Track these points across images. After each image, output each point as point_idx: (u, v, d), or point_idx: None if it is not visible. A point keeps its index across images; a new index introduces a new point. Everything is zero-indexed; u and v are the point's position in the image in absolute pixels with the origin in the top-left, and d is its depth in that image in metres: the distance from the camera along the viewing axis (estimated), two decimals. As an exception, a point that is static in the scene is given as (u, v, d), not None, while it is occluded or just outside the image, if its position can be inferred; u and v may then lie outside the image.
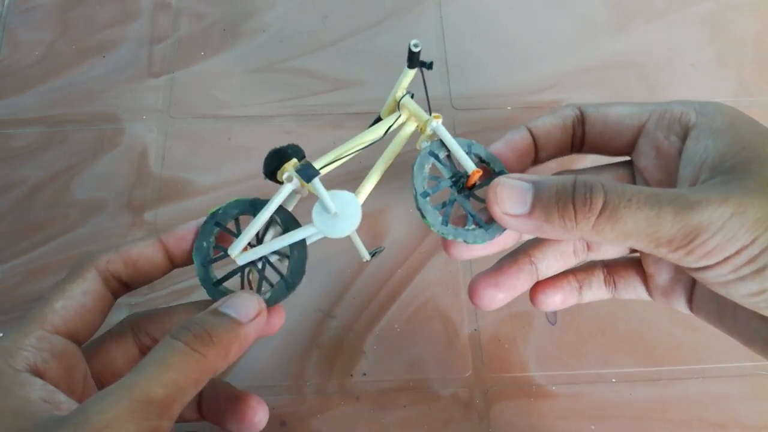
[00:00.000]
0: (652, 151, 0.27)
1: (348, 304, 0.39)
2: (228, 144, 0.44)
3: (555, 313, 0.39)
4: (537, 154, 0.29)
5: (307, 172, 0.26)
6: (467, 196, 0.28)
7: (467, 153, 0.28)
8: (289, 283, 0.27)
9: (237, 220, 0.28)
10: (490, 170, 0.28)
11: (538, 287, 0.30)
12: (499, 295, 0.29)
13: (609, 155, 0.29)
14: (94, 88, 0.46)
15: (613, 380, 0.37)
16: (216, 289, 0.27)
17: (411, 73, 0.28)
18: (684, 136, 0.25)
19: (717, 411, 0.37)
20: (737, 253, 0.22)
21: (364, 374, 0.37)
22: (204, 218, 0.28)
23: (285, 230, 0.27)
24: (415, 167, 0.27)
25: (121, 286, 0.28)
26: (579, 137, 0.29)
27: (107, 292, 0.27)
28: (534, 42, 0.48)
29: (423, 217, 0.27)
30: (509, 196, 0.23)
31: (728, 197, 0.21)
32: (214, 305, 0.25)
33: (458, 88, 0.46)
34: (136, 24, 0.48)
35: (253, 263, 0.28)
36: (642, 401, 0.37)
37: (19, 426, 0.21)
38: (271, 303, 0.27)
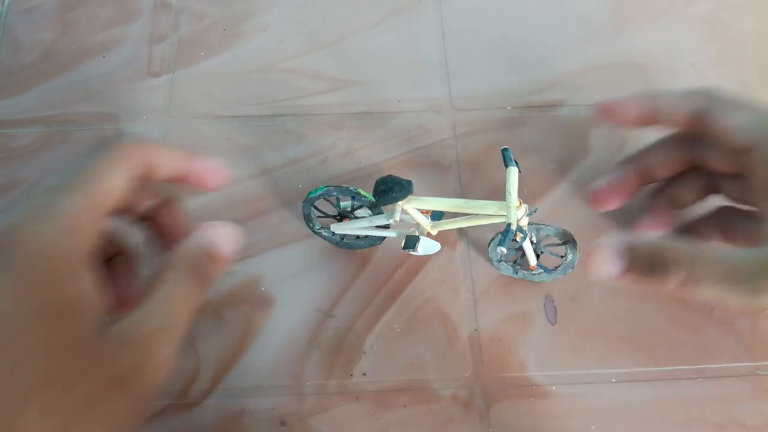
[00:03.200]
0: (759, 170, 0.29)
1: (348, 304, 0.39)
2: (228, 144, 0.44)
3: (555, 312, 0.39)
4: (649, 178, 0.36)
5: (437, 216, 0.37)
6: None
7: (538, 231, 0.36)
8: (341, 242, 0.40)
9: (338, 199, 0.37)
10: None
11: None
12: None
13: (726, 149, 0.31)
14: (94, 88, 0.46)
15: (613, 380, 0.37)
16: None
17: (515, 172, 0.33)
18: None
19: (717, 411, 0.37)
20: None
21: (364, 374, 0.37)
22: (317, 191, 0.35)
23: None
24: (494, 249, 0.38)
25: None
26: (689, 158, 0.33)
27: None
28: (534, 42, 0.48)
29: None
30: (606, 263, 0.26)
31: None
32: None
33: (458, 88, 0.46)
34: (136, 24, 0.48)
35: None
36: (642, 401, 0.37)
37: (81, 334, 0.21)
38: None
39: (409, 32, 0.48)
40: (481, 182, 0.43)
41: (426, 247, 0.36)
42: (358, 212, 0.37)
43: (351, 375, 0.37)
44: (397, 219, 0.34)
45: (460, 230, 0.41)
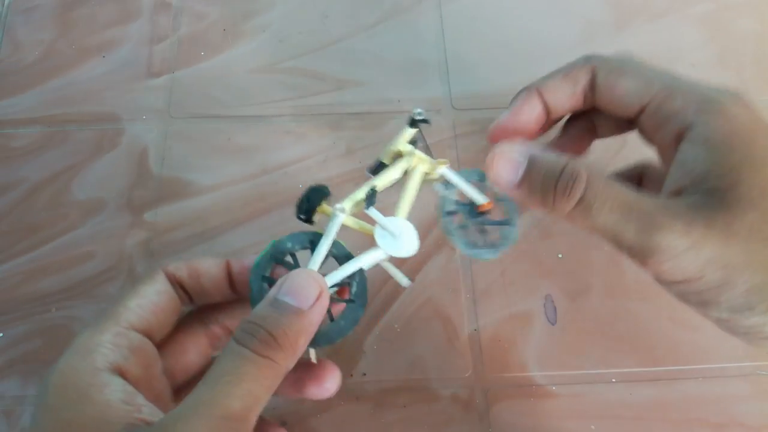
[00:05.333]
0: (652, 131, 0.27)
1: (348, 304, 0.39)
2: (228, 144, 0.44)
3: (555, 312, 0.39)
4: (547, 116, 0.30)
5: (371, 201, 0.27)
6: (482, 221, 0.30)
7: (481, 180, 0.30)
8: (362, 301, 0.27)
9: (294, 255, 0.28)
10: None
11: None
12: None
13: (617, 118, 0.29)
14: (94, 88, 0.46)
15: (613, 380, 0.37)
16: None
17: (411, 132, 0.29)
18: (679, 135, 0.25)
19: (717, 411, 0.37)
20: (684, 282, 0.23)
21: (364, 374, 0.37)
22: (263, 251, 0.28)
23: (340, 263, 0.28)
24: (438, 209, 0.30)
25: (186, 296, 0.28)
26: (589, 102, 0.29)
27: (176, 295, 0.27)
28: (534, 42, 0.48)
29: (450, 239, 0.30)
30: (504, 167, 0.25)
31: (691, 229, 0.22)
32: (272, 292, 0.24)
33: (458, 88, 0.46)
34: (136, 24, 0.48)
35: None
36: (642, 401, 0.37)
37: None
38: (349, 326, 0.26)
39: (409, 32, 0.48)
40: (481, 182, 0.43)
41: (393, 245, 0.28)
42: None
43: (351, 375, 0.37)
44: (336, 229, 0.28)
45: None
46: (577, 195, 0.23)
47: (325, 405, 0.36)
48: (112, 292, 0.39)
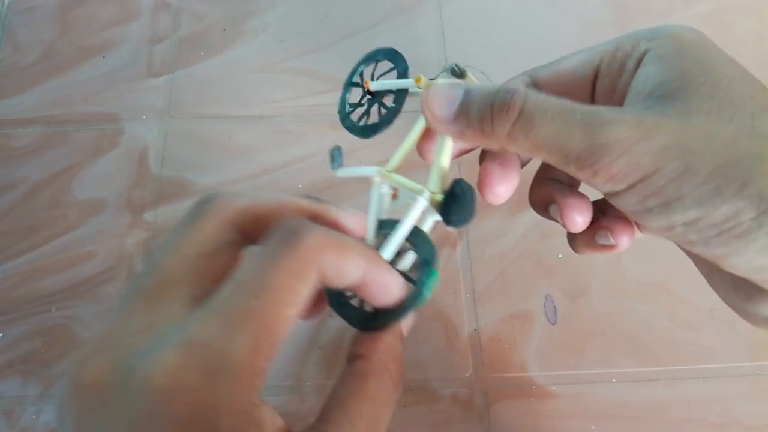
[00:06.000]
0: (610, 96, 0.25)
1: (348, 304, 0.39)
2: (228, 144, 0.44)
3: (555, 312, 0.39)
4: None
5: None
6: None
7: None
8: (430, 257, 0.23)
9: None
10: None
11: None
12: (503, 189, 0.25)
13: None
14: (94, 88, 0.46)
15: (613, 380, 0.37)
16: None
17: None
18: (636, 71, 0.24)
19: (717, 411, 0.37)
20: (641, 181, 0.20)
21: (364, 374, 0.37)
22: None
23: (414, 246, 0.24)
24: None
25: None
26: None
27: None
28: (534, 42, 0.48)
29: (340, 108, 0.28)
30: (439, 100, 0.23)
31: (642, 120, 0.20)
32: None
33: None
34: (136, 24, 0.48)
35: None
36: (642, 401, 0.37)
37: None
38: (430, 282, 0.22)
39: (409, 32, 0.48)
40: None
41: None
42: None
43: (351, 375, 0.37)
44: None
45: (460, 231, 0.41)
46: (516, 108, 0.21)
47: (325, 405, 0.37)
48: (112, 292, 0.39)
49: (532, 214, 0.39)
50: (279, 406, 0.36)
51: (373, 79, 0.27)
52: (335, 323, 0.39)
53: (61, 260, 0.40)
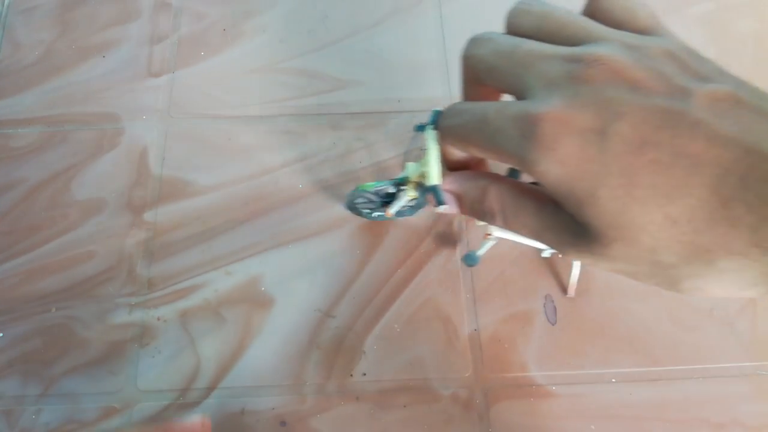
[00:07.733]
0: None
1: (348, 304, 0.39)
2: (228, 144, 0.44)
3: (555, 312, 0.39)
4: None
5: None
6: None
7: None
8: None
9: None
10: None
11: None
12: None
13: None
14: (94, 88, 0.46)
15: (613, 380, 0.37)
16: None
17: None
18: None
19: (717, 411, 0.37)
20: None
21: (364, 374, 0.37)
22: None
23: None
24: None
25: None
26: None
27: None
28: (534, 42, 0.48)
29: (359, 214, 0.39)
30: (444, 211, 0.27)
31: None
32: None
33: (458, 88, 0.46)
34: (136, 24, 0.48)
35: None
36: (642, 401, 0.37)
37: None
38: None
39: (409, 32, 0.48)
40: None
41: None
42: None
43: (351, 375, 0.37)
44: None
45: (460, 231, 0.41)
46: (496, 212, 0.25)
47: (325, 405, 0.36)
48: (112, 292, 0.39)
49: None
50: (279, 406, 0.36)
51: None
52: (335, 323, 0.39)
53: (61, 260, 0.40)
